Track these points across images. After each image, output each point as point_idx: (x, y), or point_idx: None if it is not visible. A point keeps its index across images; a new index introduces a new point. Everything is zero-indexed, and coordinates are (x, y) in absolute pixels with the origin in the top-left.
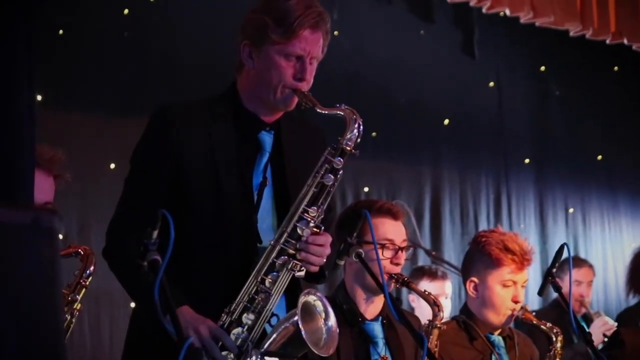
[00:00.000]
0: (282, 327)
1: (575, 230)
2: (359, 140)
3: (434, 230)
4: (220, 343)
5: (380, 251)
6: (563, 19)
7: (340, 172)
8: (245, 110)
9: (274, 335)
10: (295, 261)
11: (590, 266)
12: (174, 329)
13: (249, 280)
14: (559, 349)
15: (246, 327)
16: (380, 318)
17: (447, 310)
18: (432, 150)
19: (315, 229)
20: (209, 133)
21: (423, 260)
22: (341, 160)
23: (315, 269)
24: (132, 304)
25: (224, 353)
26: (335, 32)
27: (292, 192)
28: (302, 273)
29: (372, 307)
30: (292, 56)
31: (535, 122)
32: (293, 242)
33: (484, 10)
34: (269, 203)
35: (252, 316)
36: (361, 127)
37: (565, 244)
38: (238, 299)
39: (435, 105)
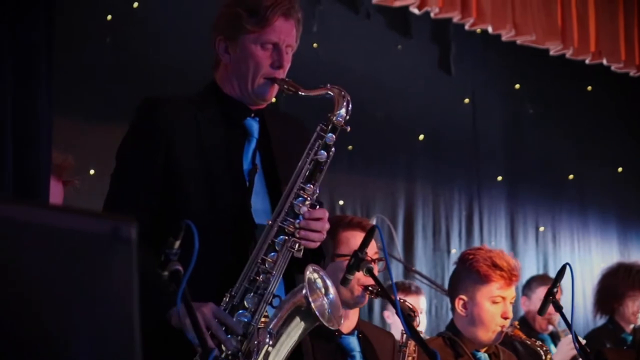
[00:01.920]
0: (288, 303)
1: (545, 249)
2: (348, 117)
3: (406, 245)
4: (225, 326)
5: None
6: (544, 37)
7: (333, 149)
8: (229, 97)
9: (280, 313)
10: (294, 239)
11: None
12: (198, 341)
13: (249, 262)
14: None
15: (249, 309)
16: (356, 332)
17: (423, 325)
18: (406, 164)
19: (311, 207)
20: (196, 120)
21: (396, 275)
22: (333, 136)
23: (315, 245)
24: None
25: (229, 336)
26: (315, 45)
27: (282, 177)
28: (301, 253)
29: (347, 322)
30: (268, 44)
31: (509, 140)
32: (291, 220)
33: (466, 27)
34: (262, 188)
35: (254, 298)
36: (350, 104)
37: (567, 264)
38: (239, 281)
39: (410, 120)
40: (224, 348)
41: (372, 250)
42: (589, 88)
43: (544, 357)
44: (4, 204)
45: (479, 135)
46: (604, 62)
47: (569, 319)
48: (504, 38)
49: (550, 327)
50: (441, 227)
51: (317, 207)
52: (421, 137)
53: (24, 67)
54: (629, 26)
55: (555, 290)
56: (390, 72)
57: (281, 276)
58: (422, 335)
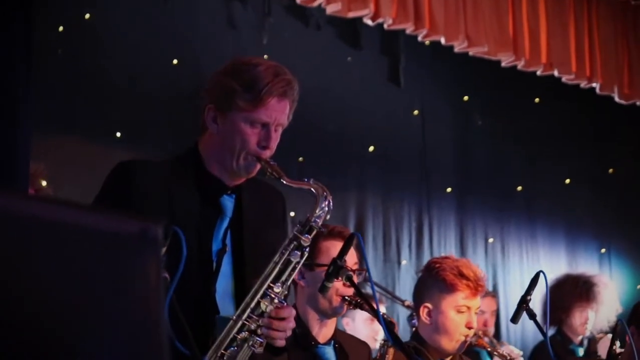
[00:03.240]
0: None
1: (495, 260)
2: (327, 217)
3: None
4: None
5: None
6: (496, 49)
7: (307, 249)
8: (208, 173)
9: None
10: (256, 337)
11: (493, 296)
12: (187, 350)
13: (209, 354)
14: None
15: None
16: (332, 342)
17: (380, 334)
18: (357, 176)
19: (278, 305)
20: (170, 194)
21: None
22: (309, 237)
23: (281, 343)
24: None
25: None
26: (265, 56)
27: (248, 260)
28: (262, 349)
29: (324, 331)
30: (257, 123)
31: (458, 151)
32: (255, 317)
33: (419, 38)
34: (228, 269)
35: None
36: (331, 204)
37: (541, 271)
38: None
39: (360, 132)
40: None
41: (351, 260)
42: (537, 100)
43: None
44: (30, 201)
45: (428, 146)
46: (555, 73)
47: (543, 327)
48: (456, 49)
49: (486, 339)
50: (391, 238)
51: (284, 305)
52: (371, 148)
53: (5, 78)
54: (579, 37)
55: (529, 298)
56: (341, 84)
57: None
58: None
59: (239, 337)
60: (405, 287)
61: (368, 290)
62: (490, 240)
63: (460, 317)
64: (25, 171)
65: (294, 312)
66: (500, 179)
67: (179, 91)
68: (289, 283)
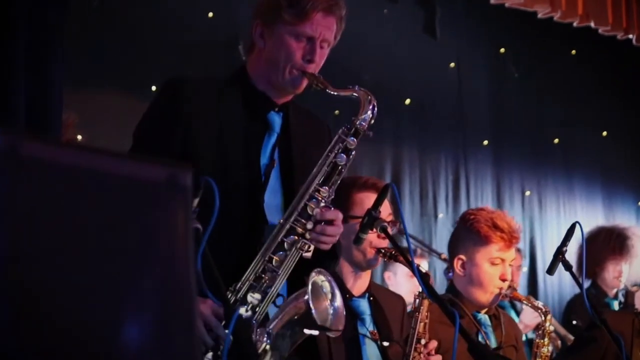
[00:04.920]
0: (290, 306)
1: (532, 213)
2: (372, 121)
3: (393, 210)
4: (224, 322)
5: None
6: (532, 0)
7: (353, 153)
8: (255, 89)
9: (281, 314)
10: (304, 240)
11: (519, 251)
12: (219, 300)
13: (256, 259)
14: (547, 328)
15: (250, 305)
16: (367, 295)
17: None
18: (393, 129)
19: (325, 209)
20: (217, 110)
21: None
22: (355, 140)
23: (327, 247)
24: None
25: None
26: None
27: (298, 175)
28: (309, 254)
29: (359, 284)
30: (302, 37)
31: (494, 104)
32: (303, 221)
33: None
34: (277, 183)
35: (257, 295)
36: (375, 108)
37: (577, 222)
38: (244, 277)
39: (397, 85)
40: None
41: (385, 212)
42: (573, 52)
43: (543, 319)
44: (60, 148)
45: (464, 99)
46: (592, 25)
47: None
48: (492, 1)
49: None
50: (428, 192)
51: (331, 208)
52: (407, 101)
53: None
54: None
55: (564, 249)
56: (377, 35)
57: (287, 276)
58: None
59: (287, 240)
60: (442, 241)
61: (404, 243)
62: (527, 193)
63: (494, 269)
64: (58, 121)
65: (340, 215)
66: (537, 131)
67: (215, 44)
68: (335, 186)
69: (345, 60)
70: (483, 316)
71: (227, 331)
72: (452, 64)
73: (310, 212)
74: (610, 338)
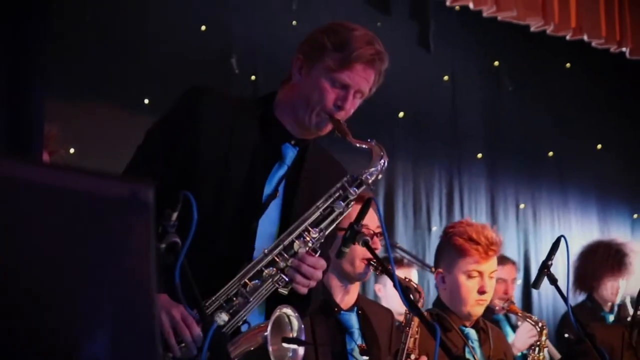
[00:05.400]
0: (250, 335)
1: (526, 226)
2: (379, 176)
3: (387, 223)
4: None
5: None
6: (525, 13)
7: (352, 204)
8: (275, 118)
9: (239, 341)
10: (282, 275)
11: (514, 263)
12: (198, 313)
13: (232, 281)
14: (544, 342)
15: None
16: (355, 308)
17: None
18: (386, 142)
19: (311, 252)
20: (232, 127)
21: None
22: (356, 190)
23: (302, 290)
24: None
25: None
26: (294, 22)
27: (298, 212)
28: (286, 291)
29: (347, 297)
30: (338, 83)
31: (488, 117)
32: (286, 256)
33: (448, 3)
34: (276, 215)
35: (224, 316)
36: (385, 165)
37: (562, 236)
38: (216, 296)
39: (390, 98)
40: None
41: (374, 224)
42: (568, 65)
43: (539, 332)
44: (20, 165)
45: (458, 112)
46: (585, 38)
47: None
48: (485, 14)
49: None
50: (422, 204)
51: (317, 254)
52: (401, 114)
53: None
54: (609, 1)
55: (550, 262)
56: None
57: (257, 305)
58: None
59: (266, 270)
60: None
61: (400, 255)
62: (522, 206)
63: (471, 281)
64: (39, 137)
65: (323, 263)
66: (531, 144)
67: (208, 57)
68: (327, 232)
69: None
70: (470, 330)
71: (204, 344)
72: (446, 77)
73: (295, 250)
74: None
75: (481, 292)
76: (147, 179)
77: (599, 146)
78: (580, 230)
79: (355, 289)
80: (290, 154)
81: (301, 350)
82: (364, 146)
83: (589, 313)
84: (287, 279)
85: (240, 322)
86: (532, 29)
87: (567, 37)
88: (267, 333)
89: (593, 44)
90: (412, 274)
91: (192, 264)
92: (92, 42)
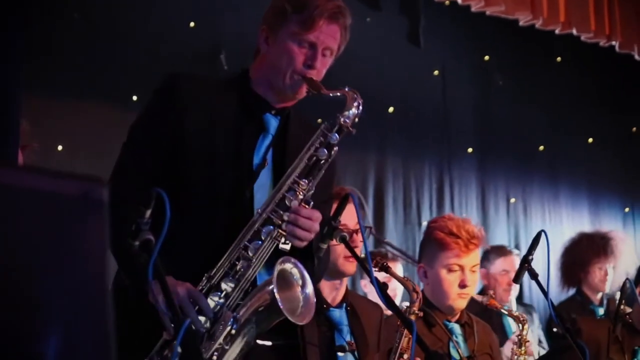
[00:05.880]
0: (258, 294)
1: (517, 221)
2: (357, 119)
3: (377, 218)
4: (197, 307)
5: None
6: (513, 8)
7: (335, 149)
8: (252, 91)
9: (249, 302)
10: (280, 231)
11: (518, 254)
12: (169, 311)
13: (232, 247)
14: (525, 336)
15: (224, 293)
16: (344, 305)
17: (400, 292)
18: (376, 137)
19: (304, 203)
20: (212, 106)
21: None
22: (337, 136)
23: (300, 243)
24: None
25: (199, 316)
26: None
27: None
28: (287, 246)
29: (335, 293)
30: (305, 42)
31: (479, 112)
32: (280, 212)
33: None
34: (267, 182)
35: (231, 283)
36: (361, 106)
37: (543, 230)
38: (219, 264)
39: (380, 93)
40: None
41: (352, 221)
42: (559, 59)
43: (521, 328)
44: None
45: (448, 107)
46: (574, 32)
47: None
48: (473, 9)
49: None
50: (412, 200)
51: (310, 204)
52: (391, 109)
53: None
54: None
55: (530, 257)
56: (360, 44)
57: (261, 265)
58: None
59: (263, 230)
60: None
61: (386, 249)
62: (512, 200)
63: (452, 275)
64: (15, 131)
65: (319, 215)
66: (522, 138)
67: (196, 54)
68: (315, 182)
69: (328, 70)
70: (454, 325)
71: (175, 342)
72: (436, 72)
73: (288, 204)
74: (587, 343)
75: (462, 285)
76: (99, 178)
77: (590, 140)
78: (572, 224)
79: (342, 285)
80: (273, 123)
81: (312, 296)
82: (337, 94)
83: (579, 307)
84: (285, 234)
85: (248, 285)
86: (521, 23)
87: (556, 32)
88: (273, 287)
89: (582, 37)
90: (397, 268)
91: (198, 240)
92: (79, 39)
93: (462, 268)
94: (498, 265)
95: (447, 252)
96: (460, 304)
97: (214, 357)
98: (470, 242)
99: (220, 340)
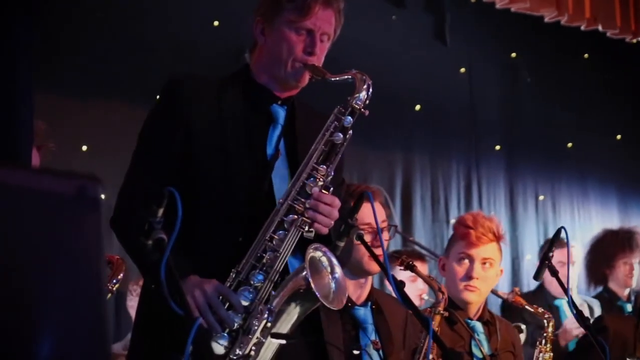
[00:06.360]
0: (290, 283)
1: (545, 218)
2: (367, 101)
3: (404, 216)
4: (228, 304)
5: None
6: (539, 4)
7: (350, 132)
8: (255, 83)
9: (281, 292)
10: (303, 218)
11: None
12: (181, 310)
13: (257, 240)
14: (550, 334)
15: (254, 286)
16: (369, 303)
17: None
18: (403, 135)
19: (324, 189)
20: (218, 105)
21: (394, 244)
22: (351, 119)
23: (323, 230)
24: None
25: (230, 312)
26: None
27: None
28: (312, 234)
29: (360, 291)
30: (302, 30)
31: (506, 109)
32: (302, 199)
33: None
34: (285, 173)
35: (260, 276)
36: (370, 88)
37: (562, 227)
38: (246, 258)
39: (406, 91)
40: (225, 325)
41: (380, 217)
42: (586, 55)
43: (546, 325)
44: None
45: (476, 104)
46: (599, 28)
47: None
48: (498, 6)
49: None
50: (439, 197)
51: (330, 190)
52: (418, 107)
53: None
54: None
55: (551, 254)
56: (386, 42)
57: (288, 255)
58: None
59: (286, 219)
60: None
61: (411, 247)
62: (541, 198)
63: (460, 266)
64: (28, 130)
65: (338, 202)
66: (550, 136)
67: (220, 53)
68: (334, 166)
69: (354, 67)
70: (476, 323)
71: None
72: (463, 69)
73: (308, 191)
74: (613, 340)
75: (468, 277)
76: (94, 176)
77: (618, 137)
78: (601, 221)
79: (367, 283)
80: (281, 113)
81: (343, 279)
82: (344, 76)
83: (607, 304)
84: (309, 221)
85: (277, 276)
86: (546, 19)
87: (582, 28)
88: (307, 273)
89: (608, 34)
90: (423, 268)
91: (221, 237)
92: (105, 39)
93: (471, 259)
94: None
95: (459, 242)
96: (468, 296)
97: (252, 352)
98: (483, 235)
99: (258, 334)
